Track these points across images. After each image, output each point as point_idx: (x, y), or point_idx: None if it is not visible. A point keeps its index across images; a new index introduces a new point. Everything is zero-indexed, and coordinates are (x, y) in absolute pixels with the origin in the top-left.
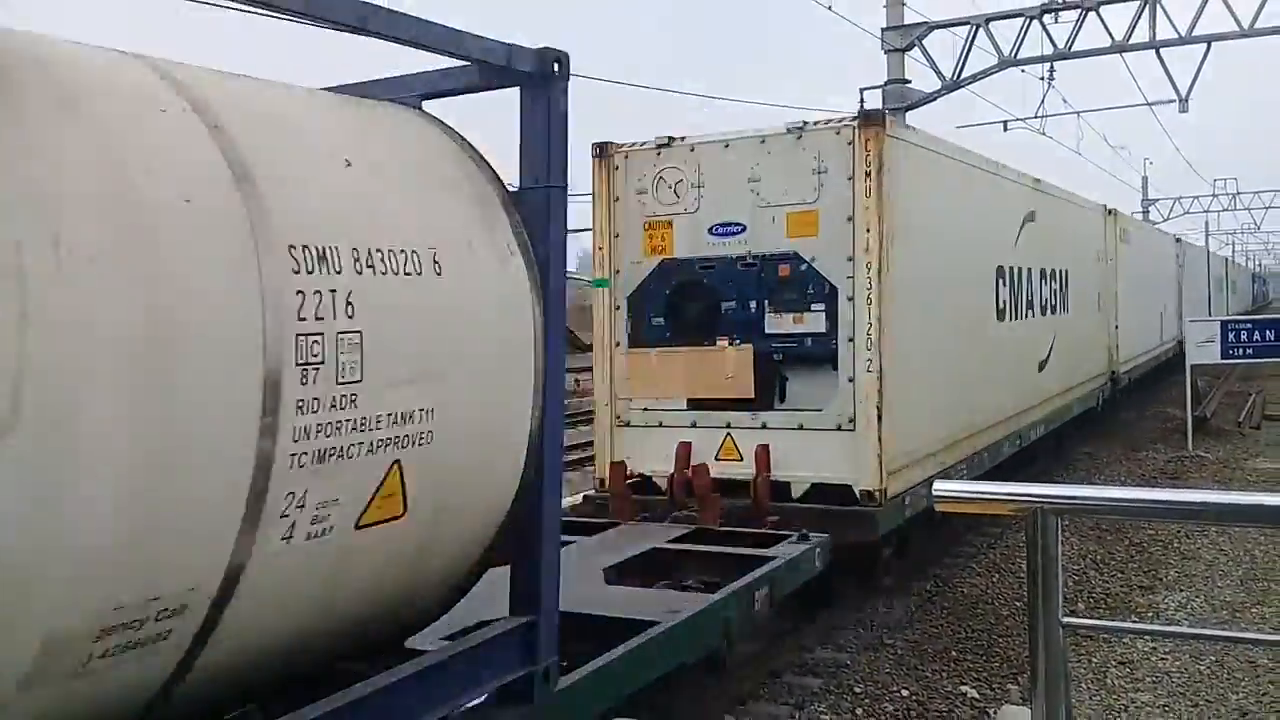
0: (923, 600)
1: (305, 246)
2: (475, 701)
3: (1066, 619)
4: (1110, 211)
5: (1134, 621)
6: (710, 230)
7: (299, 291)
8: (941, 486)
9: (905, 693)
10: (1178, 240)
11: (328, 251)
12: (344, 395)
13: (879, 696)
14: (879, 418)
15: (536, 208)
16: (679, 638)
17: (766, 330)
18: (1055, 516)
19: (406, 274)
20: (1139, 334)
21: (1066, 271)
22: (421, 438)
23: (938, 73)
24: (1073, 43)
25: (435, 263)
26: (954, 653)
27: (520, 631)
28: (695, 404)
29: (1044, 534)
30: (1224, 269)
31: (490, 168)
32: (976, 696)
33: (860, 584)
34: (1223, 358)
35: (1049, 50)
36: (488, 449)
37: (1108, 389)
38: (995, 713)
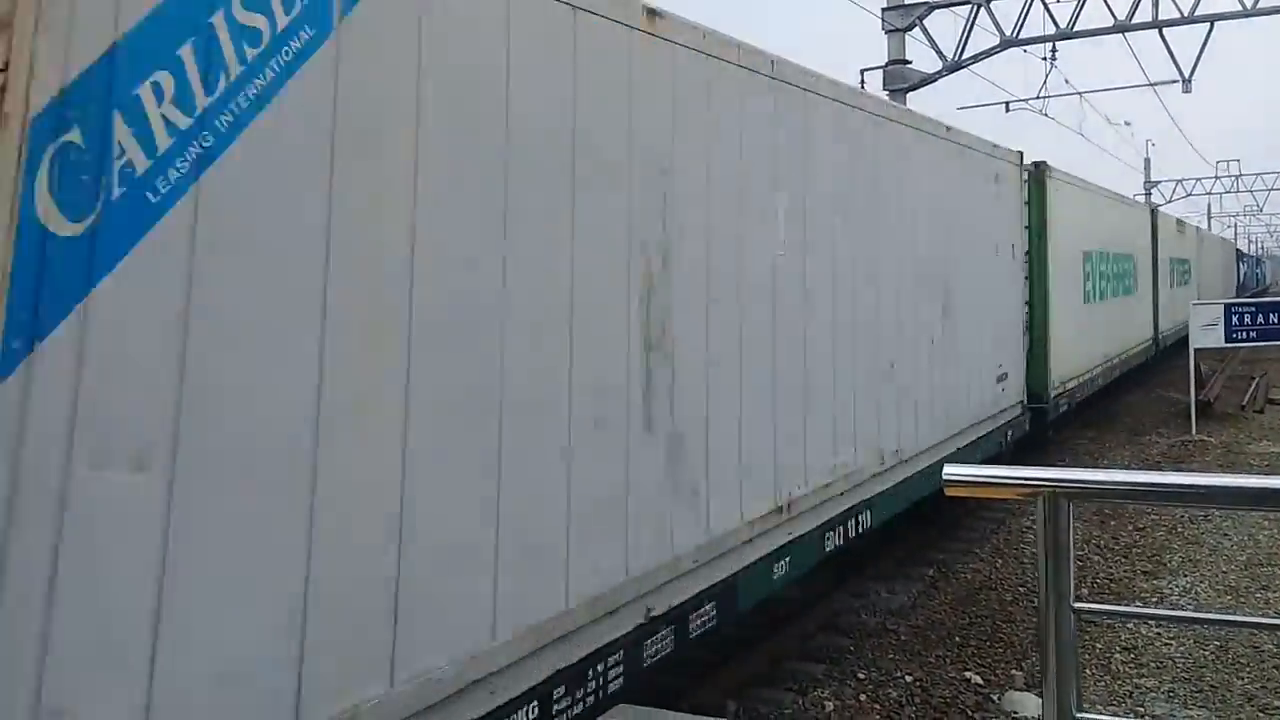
0: (926, 586)
1: None
2: None
3: (1078, 604)
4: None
5: (1141, 606)
6: None
7: None
8: (951, 470)
9: (909, 679)
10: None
11: None
12: None
13: (882, 682)
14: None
15: None
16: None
17: None
18: (1067, 500)
19: None
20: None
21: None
22: None
23: (939, 53)
24: (1075, 22)
25: None
26: (957, 638)
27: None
28: None
29: (1055, 518)
30: (1149, 239)
31: None
32: (981, 682)
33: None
34: (1226, 341)
35: (1051, 30)
36: None
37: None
38: (1000, 698)
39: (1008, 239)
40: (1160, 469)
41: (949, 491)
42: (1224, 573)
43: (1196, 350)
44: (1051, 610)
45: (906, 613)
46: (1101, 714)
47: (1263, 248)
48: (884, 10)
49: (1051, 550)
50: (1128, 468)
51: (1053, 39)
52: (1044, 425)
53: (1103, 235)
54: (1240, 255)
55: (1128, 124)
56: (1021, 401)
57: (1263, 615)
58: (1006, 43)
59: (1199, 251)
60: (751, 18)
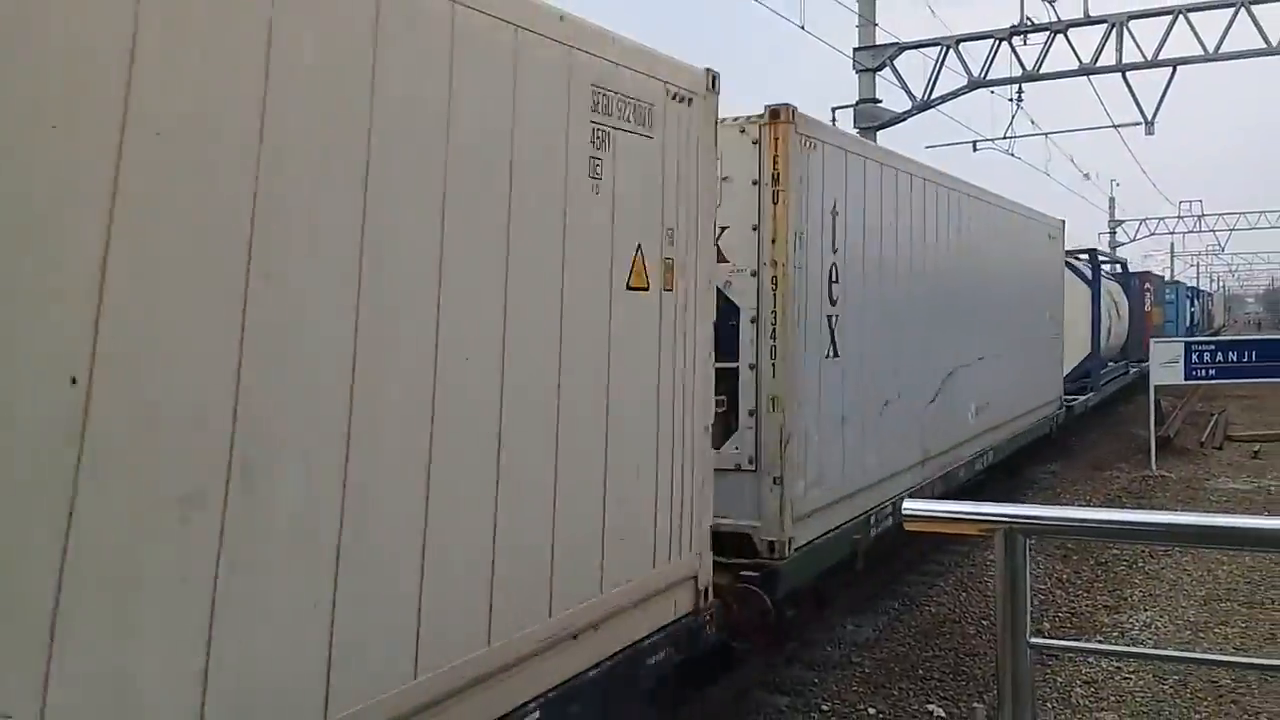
0: (891, 619)
1: None
2: None
3: (1034, 639)
4: None
5: (1099, 642)
6: None
7: None
8: (910, 506)
9: (872, 711)
10: None
11: None
12: None
13: (846, 715)
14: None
15: None
16: None
17: None
18: (1024, 536)
19: None
20: None
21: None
22: None
23: (908, 93)
24: (1041, 64)
25: None
26: (921, 671)
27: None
28: None
29: (1012, 554)
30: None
31: None
32: (943, 715)
33: None
34: (1186, 379)
35: (1018, 72)
36: None
37: None
38: None
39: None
40: (1121, 504)
41: (908, 526)
42: (1184, 608)
43: (1157, 387)
44: (1009, 645)
45: (871, 646)
46: None
47: (1223, 286)
48: (855, 50)
49: (1009, 586)
50: (1088, 503)
51: (1019, 80)
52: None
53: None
54: (1135, 279)
55: (1086, 176)
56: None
57: (1218, 652)
58: (974, 84)
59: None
60: (724, 52)
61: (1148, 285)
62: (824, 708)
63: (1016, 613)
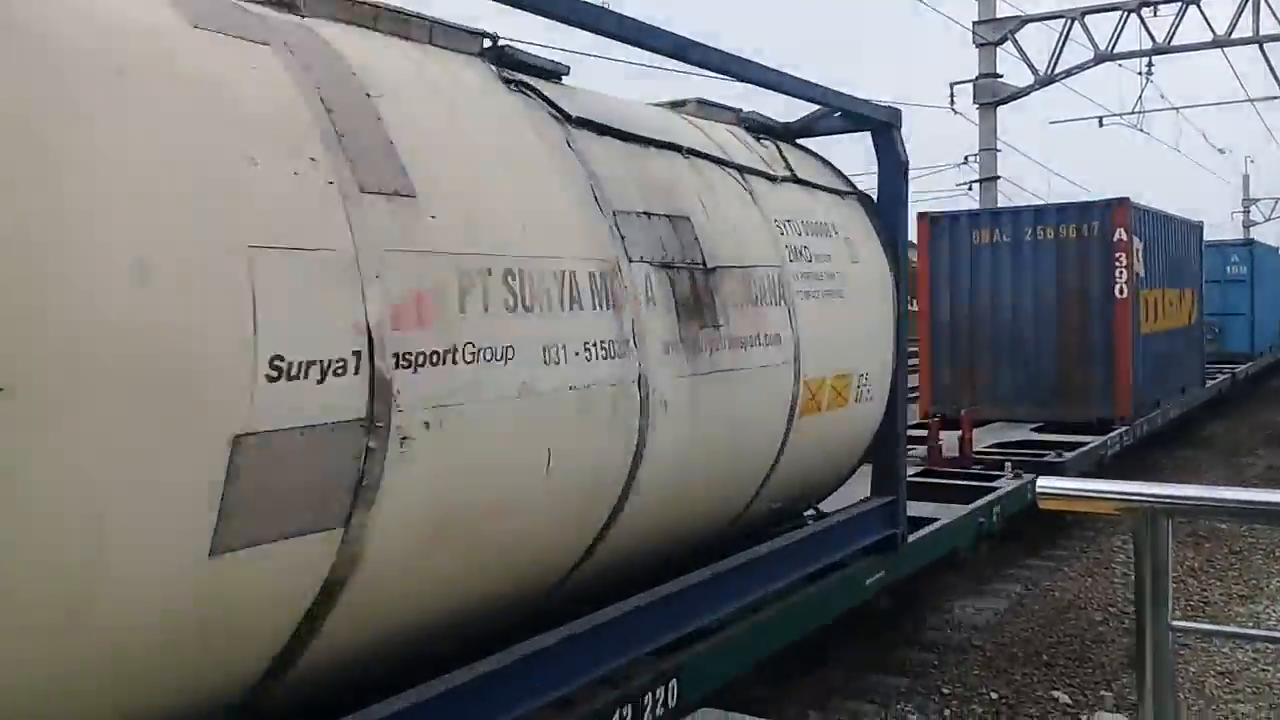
0: (1012, 603)
1: None
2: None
3: (1176, 623)
4: None
5: (1241, 627)
6: None
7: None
8: (1046, 484)
9: (994, 695)
10: None
11: None
12: None
13: (967, 698)
14: None
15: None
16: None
17: None
18: (1167, 518)
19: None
20: None
21: None
22: None
23: (1031, 67)
24: (1172, 37)
25: None
26: (1045, 657)
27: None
28: None
29: (1155, 535)
30: None
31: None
32: (1069, 702)
33: None
34: None
35: (1147, 45)
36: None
37: None
38: (1089, 719)
39: None
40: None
41: (1043, 505)
42: None
43: None
44: (1149, 629)
45: (992, 629)
46: None
47: None
48: (975, 24)
49: (1150, 568)
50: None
51: (1149, 54)
52: None
53: None
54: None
55: (1223, 151)
56: None
57: None
58: (1101, 57)
59: None
60: (844, 28)
61: (1120, 228)
62: (944, 690)
63: (1158, 595)
